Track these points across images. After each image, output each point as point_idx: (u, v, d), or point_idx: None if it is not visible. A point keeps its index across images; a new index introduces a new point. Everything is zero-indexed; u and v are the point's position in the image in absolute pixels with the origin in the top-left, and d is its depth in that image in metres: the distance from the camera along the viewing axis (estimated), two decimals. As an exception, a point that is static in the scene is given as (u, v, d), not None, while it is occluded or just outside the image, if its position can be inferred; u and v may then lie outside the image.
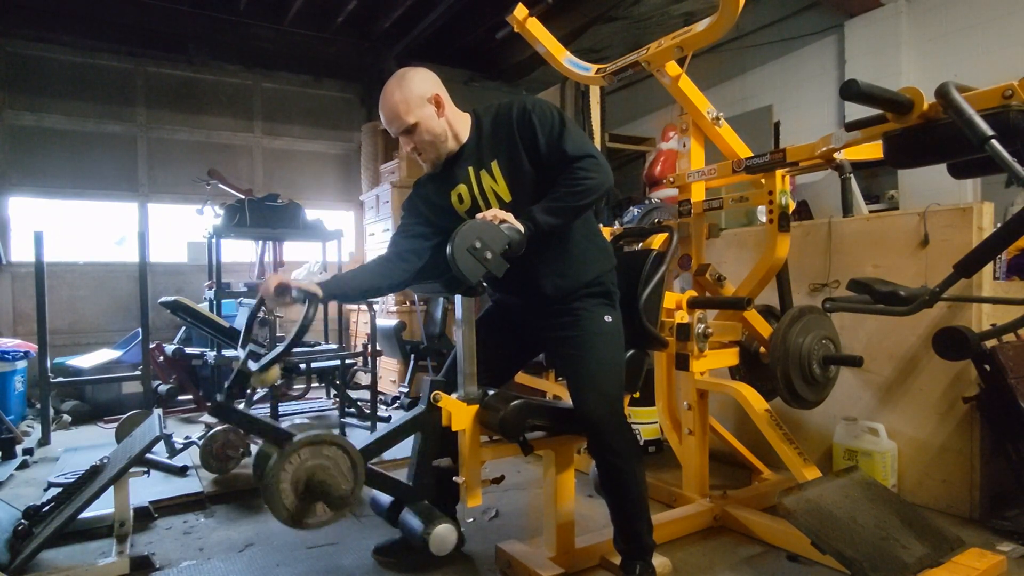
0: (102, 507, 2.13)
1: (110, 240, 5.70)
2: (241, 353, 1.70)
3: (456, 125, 1.77)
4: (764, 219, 2.40)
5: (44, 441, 3.50)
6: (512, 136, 1.72)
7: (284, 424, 3.48)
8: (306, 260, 4.41)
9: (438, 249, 1.81)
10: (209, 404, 1.68)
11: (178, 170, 5.68)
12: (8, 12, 4.93)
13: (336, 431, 3.57)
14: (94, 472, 2.18)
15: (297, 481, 1.50)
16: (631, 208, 3.97)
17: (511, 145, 1.73)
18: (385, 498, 1.97)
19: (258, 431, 1.65)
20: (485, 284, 1.73)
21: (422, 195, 1.89)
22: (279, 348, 1.66)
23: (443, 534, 1.66)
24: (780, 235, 2.28)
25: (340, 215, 6.50)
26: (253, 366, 1.65)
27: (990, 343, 2.14)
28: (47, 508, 2.11)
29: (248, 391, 3.50)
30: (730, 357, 2.41)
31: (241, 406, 3.32)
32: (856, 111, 2.17)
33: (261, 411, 3.72)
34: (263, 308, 1.79)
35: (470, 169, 1.78)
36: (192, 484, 2.70)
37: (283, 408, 3.95)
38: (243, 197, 4.19)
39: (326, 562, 2.06)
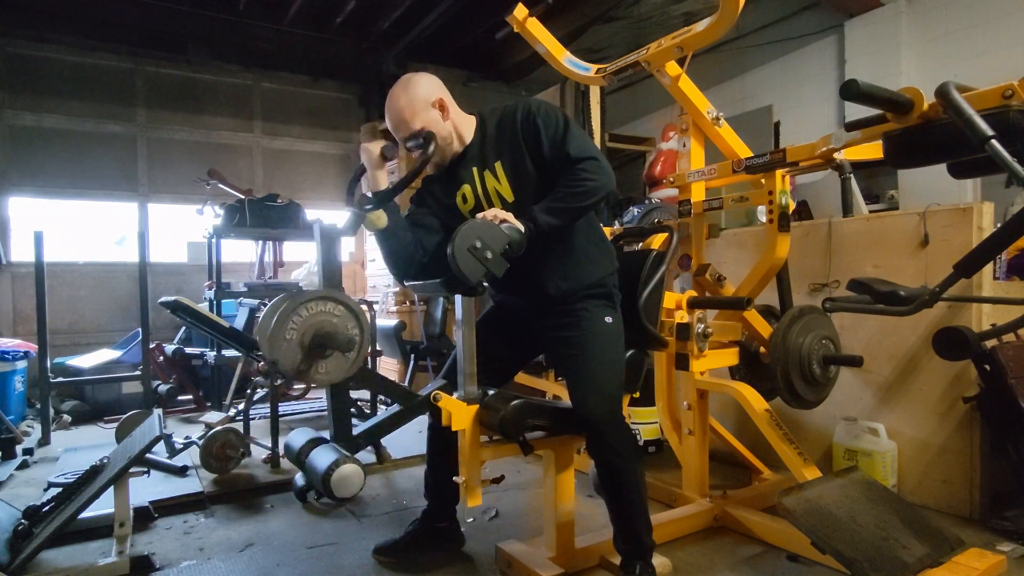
0: (102, 507, 2.13)
1: (110, 240, 5.71)
2: (351, 198, 1.72)
3: (460, 127, 1.79)
4: (764, 219, 2.40)
5: (44, 441, 3.50)
6: (516, 137, 1.74)
7: (285, 428, 3.49)
8: (306, 260, 4.41)
9: (440, 247, 1.81)
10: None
11: (178, 170, 5.68)
12: (8, 12, 4.93)
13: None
14: (94, 472, 2.18)
15: (304, 333, 1.48)
16: (631, 208, 3.97)
17: (515, 146, 1.74)
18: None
19: None
20: (486, 284, 1.74)
21: (431, 192, 1.90)
22: (392, 186, 1.67)
23: (347, 473, 1.62)
24: (780, 235, 2.28)
25: (340, 215, 6.50)
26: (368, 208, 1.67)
27: (990, 343, 2.14)
28: (47, 508, 2.11)
29: (248, 391, 3.50)
30: (730, 357, 2.41)
31: (241, 406, 3.34)
32: (856, 111, 2.17)
33: (261, 411, 3.73)
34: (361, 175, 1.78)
35: (474, 170, 1.80)
36: (192, 484, 2.70)
37: (283, 408, 3.95)
38: (243, 197, 4.19)
39: (326, 562, 2.06)
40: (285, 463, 2.86)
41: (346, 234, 1.70)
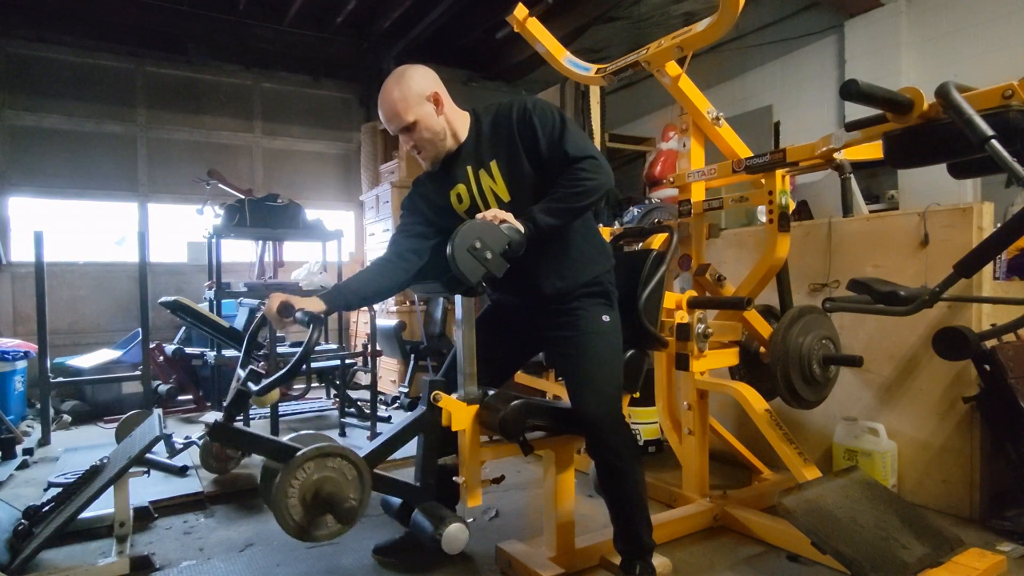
0: (102, 507, 2.13)
1: (110, 240, 5.70)
2: (241, 373, 1.71)
3: (455, 123, 1.77)
4: (764, 219, 2.40)
5: (44, 441, 3.50)
6: (512, 136, 1.72)
7: (285, 428, 3.49)
8: (306, 260, 4.41)
9: (438, 249, 1.80)
10: (208, 428, 1.69)
11: (178, 170, 5.68)
12: (8, 12, 4.93)
13: (336, 431, 3.58)
14: (94, 472, 2.18)
15: (305, 495, 1.50)
16: (631, 208, 3.97)
17: (511, 145, 1.72)
18: (396, 499, 1.97)
19: (261, 450, 1.65)
20: (485, 284, 1.73)
21: (422, 193, 1.89)
22: (281, 372, 1.66)
23: (454, 533, 1.65)
24: (780, 235, 2.28)
25: (340, 215, 6.50)
26: (253, 387, 1.66)
27: (990, 343, 2.14)
28: (47, 508, 2.11)
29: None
30: (730, 357, 2.41)
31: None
32: (856, 111, 2.16)
33: (261, 411, 3.72)
34: (264, 327, 1.78)
35: (469, 169, 1.78)
36: (192, 484, 2.70)
37: (283, 408, 3.95)
38: (243, 197, 4.19)
39: (326, 562, 2.06)
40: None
41: (231, 420, 1.70)
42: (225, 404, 1.68)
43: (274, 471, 1.55)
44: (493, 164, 1.75)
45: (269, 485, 1.53)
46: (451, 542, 1.65)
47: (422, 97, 1.70)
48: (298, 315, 1.64)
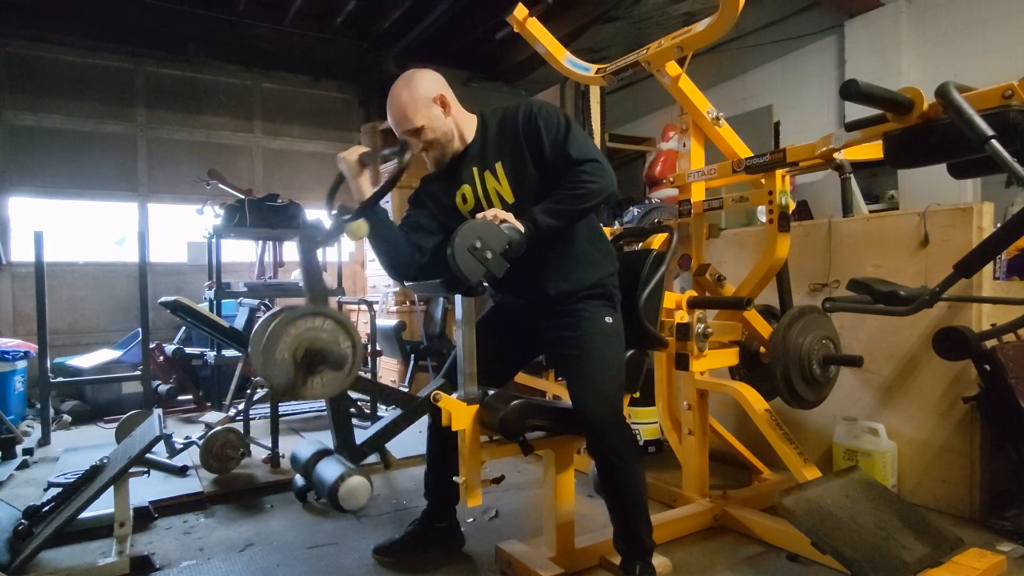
0: (102, 507, 2.13)
1: (110, 240, 5.71)
2: (331, 208, 1.74)
3: (462, 125, 1.79)
4: (764, 219, 2.40)
5: (44, 441, 3.50)
6: (517, 138, 1.74)
7: (285, 428, 3.48)
8: (306, 260, 4.40)
9: (439, 248, 1.81)
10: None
11: (178, 170, 5.68)
12: (8, 12, 4.93)
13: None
14: (94, 472, 2.18)
15: (296, 348, 1.47)
16: (631, 208, 3.97)
17: (516, 147, 1.74)
18: (300, 480, 1.91)
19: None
20: (485, 284, 1.73)
21: (429, 191, 1.90)
22: (371, 195, 1.67)
23: (354, 486, 1.60)
24: (780, 235, 2.28)
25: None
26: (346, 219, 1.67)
27: (990, 343, 2.14)
28: (47, 508, 2.11)
29: (248, 391, 3.50)
30: (730, 357, 2.41)
31: (241, 406, 3.34)
32: (856, 111, 2.16)
33: (261, 411, 3.73)
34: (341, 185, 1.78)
35: (474, 170, 1.79)
36: (192, 484, 2.70)
37: (283, 408, 3.94)
38: (243, 197, 4.19)
39: (326, 562, 2.06)
40: (285, 463, 2.87)
41: (328, 244, 1.70)
42: (326, 233, 1.71)
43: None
44: (498, 166, 1.76)
45: (260, 335, 1.48)
46: (349, 496, 1.60)
47: (429, 100, 1.72)
48: (385, 151, 1.71)
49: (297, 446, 1.85)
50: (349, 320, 1.56)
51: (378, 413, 3.65)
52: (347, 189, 1.78)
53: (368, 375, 3.81)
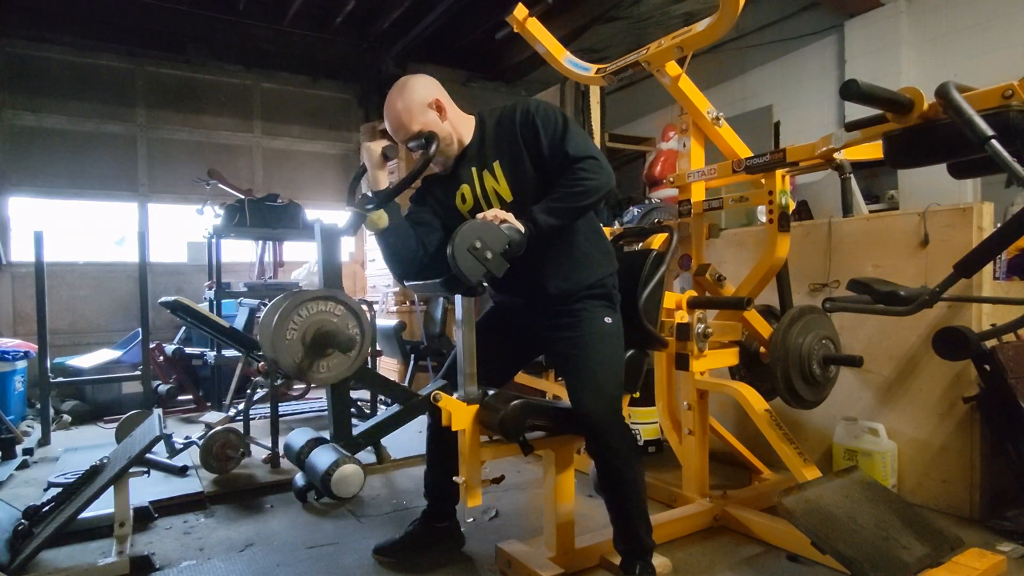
0: (102, 507, 2.13)
1: (110, 240, 5.71)
2: (353, 201, 1.74)
3: (459, 128, 1.79)
4: (764, 219, 2.40)
5: (44, 441, 3.50)
6: (515, 137, 1.74)
7: (285, 428, 3.48)
8: (306, 260, 4.41)
9: (440, 247, 1.81)
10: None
11: (178, 170, 5.68)
12: (8, 12, 4.93)
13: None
14: (94, 472, 2.18)
15: (306, 330, 1.48)
16: (631, 208, 3.97)
17: (513, 146, 1.74)
18: (300, 479, 1.92)
19: None
20: (485, 284, 1.73)
21: (431, 191, 1.91)
22: (393, 187, 1.68)
23: (347, 474, 1.62)
24: (780, 235, 2.28)
25: (340, 215, 6.50)
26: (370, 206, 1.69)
27: (990, 343, 2.14)
28: (47, 508, 2.11)
29: (248, 391, 3.51)
30: (730, 357, 2.41)
31: (241, 406, 3.34)
32: (856, 111, 2.17)
33: (261, 411, 3.73)
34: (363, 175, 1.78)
35: (473, 170, 1.80)
36: (192, 484, 2.69)
37: (283, 408, 3.94)
38: (243, 197, 4.19)
39: (326, 562, 2.06)
40: (285, 463, 2.86)
41: (347, 234, 1.72)
42: (346, 224, 1.70)
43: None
44: (496, 165, 1.76)
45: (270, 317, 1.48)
46: (342, 482, 1.61)
47: (424, 105, 1.72)
48: (411, 144, 1.70)
49: (291, 435, 1.86)
50: (359, 305, 1.56)
51: (378, 413, 3.65)
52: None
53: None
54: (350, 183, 1.81)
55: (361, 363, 1.55)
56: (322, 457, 1.60)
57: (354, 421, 3.61)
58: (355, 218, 1.70)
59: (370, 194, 1.70)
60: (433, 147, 1.68)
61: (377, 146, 1.73)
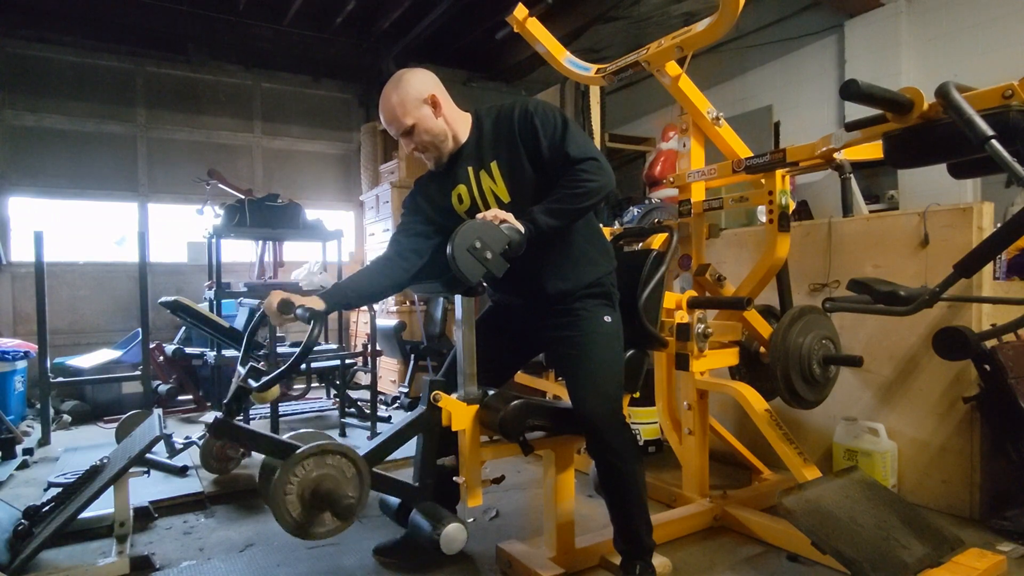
0: (102, 507, 2.13)
1: (110, 240, 5.70)
2: (241, 370, 1.71)
3: (455, 125, 1.78)
4: (764, 219, 2.40)
5: (44, 441, 3.50)
6: (513, 137, 1.73)
7: (285, 428, 3.49)
8: (306, 260, 4.41)
9: (438, 249, 1.81)
10: (208, 425, 1.69)
11: (178, 170, 5.68)
12: (8, 12, 4.93)
13: (336, 431, 3.58)
14: (94, 472, 2.18)
15: (303, 492, 1.50)
16: (631, 208, 3.97)
17: (511, 146, 1.73)
18: (394, 499, 1.97)
19: (261, 447, 1.65)
20: (485, 284, 1.73)
21: (424, 193, 1.90)
22: (282, 368, 1.66)
23: (453, 534, 1.65)
24: (780, 235, 2.28)
25: (340, 215, 6.50)
26: (253, 384, 1.66)
27: (990, 343, 2.14)
28: (47, 508, 2.11)
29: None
30: (730, 357, 2.41)
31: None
32: (856, 111, 2.17)
33: (261, 411, 3.72)
34: (263, 324, 1.77)
35: (469, 169, 1.79)
36: (192, 484, 2.70)
37: (283, 408, 3.94)
38: (243, 197, 4.19)
39: (327, 562, 2.06)
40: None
41: (230, 417, 1.70)
42: (225, 401, 1.68)
43: (273, 468, 1.55)
44: (494, 165, 1.75)
45: (268, 482, 1.53)
46: (449, 542, 1.65)
47: (419, 100, 1.71)
48: (299, 311, 1.63)
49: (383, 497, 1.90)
50: (355, 453, 1.58)
51: (378, 413, 3.65)
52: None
53: (368, 376, 3.81)
54: (247, 336, 1.82)
55: (364, 504, 1.59)
56: (423, 519, 1.69)
57: (354, 422, 3.65)
58: (236, 398, 1.69)
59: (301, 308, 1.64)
60: (318, 330, 1.62)
61: (273, 300, 1.64)
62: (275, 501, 1.47)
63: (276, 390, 1.69)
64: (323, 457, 1.53)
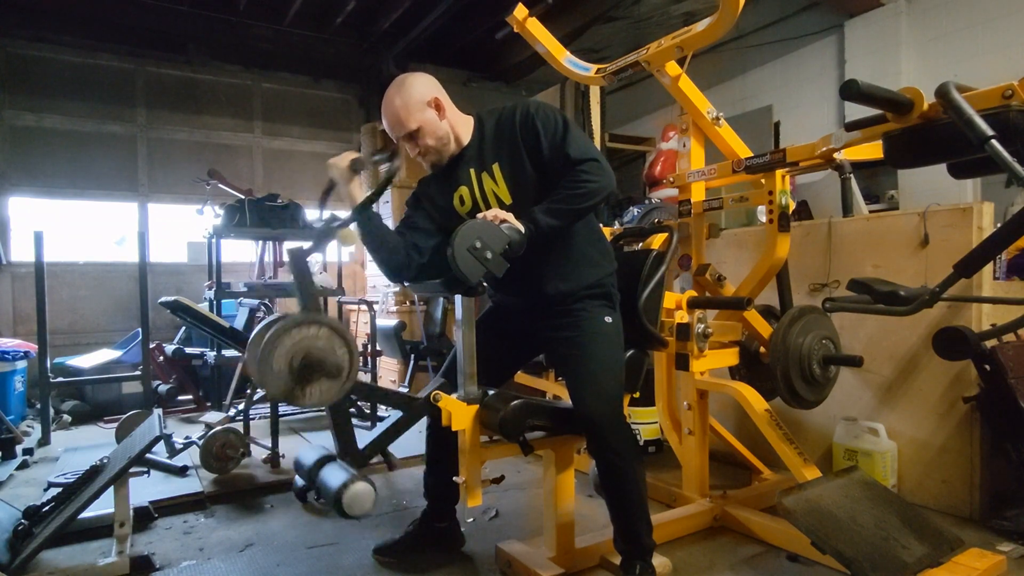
0: (102, 507, 2.13)
1: (110, 240, 5.71)
2: (324, 213, 1.76)
3: (457, 127, 1.79)
4: (764, 219, 2.40)
5: (44, 441, 3.50)
6: (514, 139, 1.73)
7: (285, 428, 3.48)
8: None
9: (439, 249, 1.81)
10: (289, 251, 1.70)
11: (178, 170, 5.68)
12: (8, 12, 4.93)
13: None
14: (94, 472, 2.18)
15: (292, 357, 1.47)
16: (631, 208, 3.97)
17: (513, 148, 1.74)
18: (300, 480, 1.94)
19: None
20: (485, 284, 1.73)
21: (426, 193, 1.90)
22: (362, 200, 1.68)
23: (358, 492, 1.59)
24: (780, 235, 2.28)
25: (340, 215, 6.49)
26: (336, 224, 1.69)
27: (990, 343, 2.14)
28: (47, 508, 2.11)
29: (248, 391, 3.50)
30: (730, 357, 2.41)
31: (241, 406, 3.34)
32: (856, 111, 2.16)
33: (261, 411, 3.72)
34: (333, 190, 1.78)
35: (471, 171, 1.79)
36: (192, 484, 2.70)
37: (283, 408, 3.94)
38: (243, 197, 4.19)
39: (326, 562, 2.06)
40: (285, 463, 2.87)
41: (317, 251, 1.73)
42: (315, 237, 1.72)
43: (262, 336, 1.51)
44: (495, 166, 1.76)
45: (257, 347, 1.47)
46: (354, 503, 1.59)
47: (423, 103, 1.72)
48: (376, 157, 1.70)
49: (300, 452, 1.85)
50: (345, 327, 1.56)
51: (378, 413, 3.65)
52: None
53: (368, 377, 3.81)
54: (320, 198, 1.81)
55: (352, 383, 1.54)
56: (332, 478, 1.60)
57: (354, 422, 3.64)
58: (325, 234, 1.70)
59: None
60: (397, 161, 1.67)
61: (344, 159, 1.70)
62: (265, 364, 1.43)
63: (355, 235, 1.71)
64: (315, 327, 1.49)
